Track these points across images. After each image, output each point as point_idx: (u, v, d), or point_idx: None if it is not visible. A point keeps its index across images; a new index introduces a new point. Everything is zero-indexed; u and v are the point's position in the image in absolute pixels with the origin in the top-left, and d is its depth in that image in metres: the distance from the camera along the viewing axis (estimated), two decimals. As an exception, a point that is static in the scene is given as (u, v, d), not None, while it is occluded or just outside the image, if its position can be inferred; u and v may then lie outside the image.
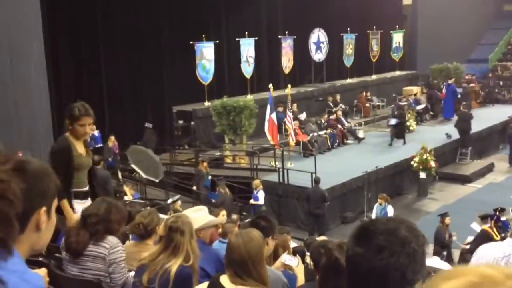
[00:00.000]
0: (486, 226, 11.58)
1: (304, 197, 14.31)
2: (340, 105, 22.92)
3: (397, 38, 28.62)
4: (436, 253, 11.51)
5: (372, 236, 1.63)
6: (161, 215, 5.23)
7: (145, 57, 20.95)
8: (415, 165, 16.88)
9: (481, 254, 2.89)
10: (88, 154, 5.04)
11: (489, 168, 19.66)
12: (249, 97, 19.98)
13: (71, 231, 3.79)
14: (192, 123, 19.57)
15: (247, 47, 21.32)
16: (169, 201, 12.55)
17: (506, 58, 34.84)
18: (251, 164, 16.70)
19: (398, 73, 28.60)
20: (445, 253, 11.88)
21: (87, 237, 3.73)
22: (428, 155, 16.88)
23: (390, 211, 13.44)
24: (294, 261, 4.53)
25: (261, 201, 14.06)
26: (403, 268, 1.57)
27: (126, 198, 11.76)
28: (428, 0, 30.17)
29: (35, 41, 12.02)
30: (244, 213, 13.71)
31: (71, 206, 4.70)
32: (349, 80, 26.05)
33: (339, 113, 21.15)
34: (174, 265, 3.36)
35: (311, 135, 18.68)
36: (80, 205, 4.68)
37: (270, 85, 17.04)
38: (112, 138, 17.02)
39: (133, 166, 13.58)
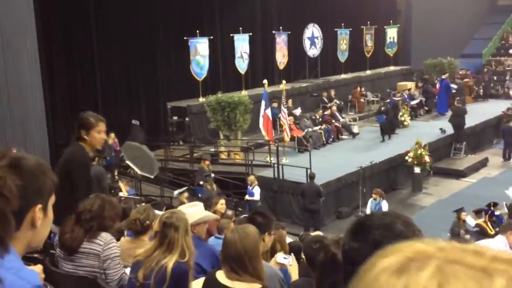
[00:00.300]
0: (480, 221, 11.65)
1: (299, 193, 14.32)
2: (335, 100, 22.94)
3: (391, 33, 28.64)
4: None
5: (368, 231, 1.63)
6: (156, 211, 5.22)
7: (139, 53, 20.90)
8: (409, 160, 16.93)
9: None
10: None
11: (483, 163, 19.73)
12: (244, 92, 19.97)
13: (65, 227, 3.78)
14: (187, 119, 19.55)
15: (242, 43, 21.28)
16: (176, 192, 12.52)
17: (500, 53, 34.90)
18: (246, 159, 16.70)
19: (392, 68, 28.63)
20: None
21: (82, 233, 3.72)
22: (422, 150, 16.93)
23: (385, 206, 13.49)
24: (288, 260, 4.55)
25: (256, 196, 14.07)
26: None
27: (121, 194, 11.74)
28: (422, -5, 30.21)
29: (28, 37, 11.96)
30: (240, 209, 13.70)
31: None
32: (343, 76, 26.07)
33: (334, 108, 21.16)
34: (170, 262, 3.35)
35: (306, 130, 18.69)
36: None
37: (265, 81, 17.04)
38: (112, 135, 16.82)
39: (128, 162, 13.54)
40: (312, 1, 26.33)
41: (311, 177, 14.03)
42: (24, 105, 11.99)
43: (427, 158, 16.88)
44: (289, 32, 23.58)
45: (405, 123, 21.57)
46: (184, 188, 12.22)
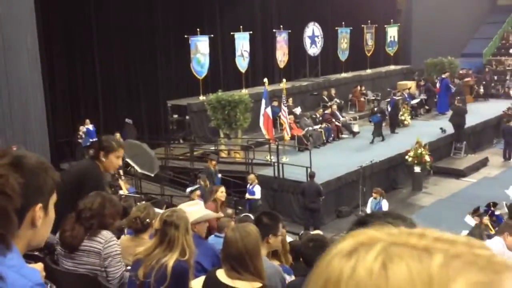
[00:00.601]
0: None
1: (299, 192, 14.32)
2: (335, 99, 22.93)
3: (392, 32, 28.64)
4: None
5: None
6: (157, 210, 5.22)
7: (139, 52, 20.91)
8: (409, 159, 16.93)
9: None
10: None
11: (484, 163, 19.72)
12: (244, 91, 19.96)
13: (66, 225, 3.78)
14: (187, 117, 19.54)
15: (242, 41, 21.28)
16: (188, 190, 12.56)
17: (500, 52, 34.88)
18: (246, 158, 16.70)
19: (392, 67, 28.62)
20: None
21: (82, 231, 3.72)
22: (422, 149, 16.92)
23: (385, 205, 13.46)
24: None
25: (257, 195, 14.05)
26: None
27: (121, 192, 11.72)
28: (422, -6, 30.20)
29: (29, 36, 11.97)
30: (240, 208, 13.71)
31: None
32: (344, 74, 26.06)
33: (334, 107, 21.15)
34: (170, 260, 3.35)
35: (306, 129, 18.69)
36: None
37: (265, 80, 17.04)
38: (118, 135, 16.72)
39: (128, 160, 13.54)
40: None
41: (311, 176, 14.02)
42: (25, 103, 12.00)
43: (427, 158, 16.88)
44: (290, 31, 23.58)
45: (406, 122, 21.56)
46: (196, 186, 12.23)
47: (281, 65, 23.30)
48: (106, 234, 3.79)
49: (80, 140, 17.67)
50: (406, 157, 17.01)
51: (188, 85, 21.67)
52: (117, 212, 3.99)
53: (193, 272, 3.62)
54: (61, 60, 19.15)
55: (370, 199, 13.89)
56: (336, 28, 25.95)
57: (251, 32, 21.89)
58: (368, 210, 13.36)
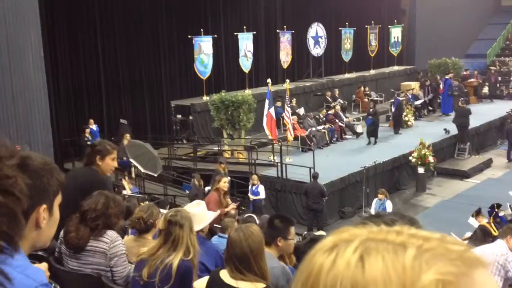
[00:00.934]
0: (484, 222, 11.58)
1: (302, 192, 14.31)
2: (339, 100, 22.92)
3: (396, 33, 28.60)
4: None
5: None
6: (160, 210, 5.22)
7: (143, 52, 20.93)
8: (413, 160, 16.90)
9: (478, 253, 2.88)
10: None
11: (487, 164, 19.67)
12: (248, 91, 19.96)
13: (69, 226, 3.79)
14: (191, 117, 19.55)
15: (246, 42, 21.29)
16: (207, 189, 12.68)
17: (504, 53, 34.82)
18: (250, 159, 16.70)
19: (396, 68, 28.59)
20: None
21: (88, 232, 3.73)
22: (426, 150, 16.89)
23: (389, 206, 13.44)
24: None
25: (262, 195, 14.04)
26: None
27: (124, 192, 11.75)
28: (426, -5, 30.17)
29: (32, 34, 11.99)
30: (243, 208, 13.70)
31: None
32: (347, 75, 26.04)
33: (338, 108, 21.13)
34: (175, 259, 3.35)
35: (309, 130, 18.68)
36: None
37: (269, 80, 17.03)
38: (128, 136, 16.71)
39: (131, 160, 13.55)
40: (316, 0, 26.30)
41: (315, 176, 14.01)
42: (29, 103, 12.03)
43: (431, 159, 16.85)
44: (293, 31, 23.57)
45: (409, 123, 21.53)
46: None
47: (285, 65, 23.30)
48: (111, 234, 3.80)
49: (88, 142, 17.64)
50: (410, 158, 16.98)
51: (191, 85, 21.70)
52: (121, 212, 4.00)
53: (196, 272, 3.62)
54: (65, 60, 19.17)
55: (375, 200, 13.86)
56: (340, 28, 25.94)
57: (254, 32, 21.89)
58: (372, 211, 13.35)
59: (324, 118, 20.08)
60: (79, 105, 19.71)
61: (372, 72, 27.27)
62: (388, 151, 18.02)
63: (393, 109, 21.61)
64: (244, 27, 21.32)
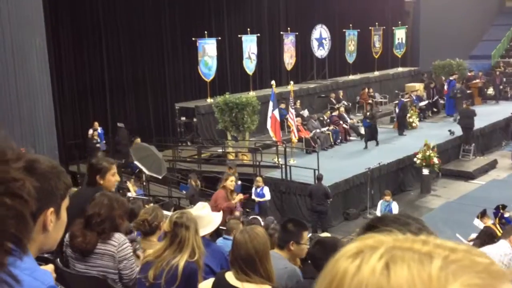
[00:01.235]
0: (490, 223, 11.55)
1: (306, 194, 14.29)
2: (343, 101, 22.91)
3: (400, 34, 28.59)
4: None
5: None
6: (164, 212, 5.23)
7: (147, 54, 20.98)
8: (418, 161, 16.86)
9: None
10: None
11: (492, 165, 19.62)
12: (252, 93, 19.98)
13: (75, 231, 3.79)
14: (195, 119, 19.59)
15: (249, 44, 21.30)
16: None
17: (509, 54, 34.73)
18: (254, 160, 16.70)
19: (400, 69, 28.56)
20: None
21: (95, 237, 3.74)
22: (431, 151, 16.85)
23: (395, 207, 13.40)
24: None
25: (267, 196, 14.01)
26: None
27: (129, 194, 11.77)
28: (430, -4, 30.14)
29: (37, 37, 12.03)
30: (247, 210, 13.69)
31: None
32: (351, 77, 26.03)
33: (342, 109, 21.13)
34: (181, 261, 3.36)
35: (313, 131, 18.67)
36: None
37: (273, 82, 17.05)
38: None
39: (136, 162, 13.57)
40: (320, 2, 26.31)
41: (319, 178, 13.99)
42: (33, 105, 12.05)
43: (435, 160, 16.81)
44: (297, 33, 23.58)
45: (414, 124, 21.50)
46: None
47: (289, 67, 23.30)
48: (119, 237, 3.81)
49: (98, 145, 17.67)
50: (415, 159, 16.95)
51: (195, 87, 21.73)
52: (125, 212, 4.00)
53: (201, 273, 3.62)
54: (70, 62, 19.23)
55: (381, 202, 13.84)
56: (344, 30, 25.94)
57: (258, 34, 21.92)
58: (378, 212, 13.32)
59: (328, 120, 20.06)
60: (84, 107, 19.76)
61: (376, 73, 27.25)
62: (393, 152, 18.00)
63: (397, 111, 21.59)
64: (248, 29, 21.34)
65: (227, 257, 4.27)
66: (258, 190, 14.05)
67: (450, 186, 17.88)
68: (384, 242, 0.71)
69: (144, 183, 14.68)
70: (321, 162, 15.03)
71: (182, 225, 3.44)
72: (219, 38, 20.80)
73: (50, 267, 2.43)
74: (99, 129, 18.21)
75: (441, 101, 24.42)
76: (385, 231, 0.77)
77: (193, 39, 19.63)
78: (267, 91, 19.65)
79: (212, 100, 19.16)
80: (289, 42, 23.28)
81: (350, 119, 21.39)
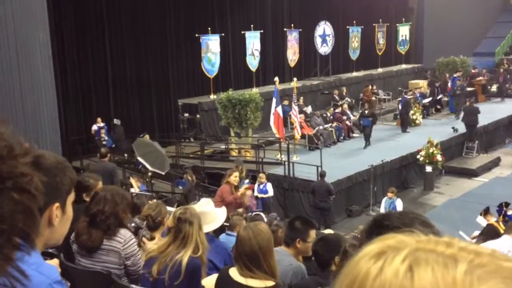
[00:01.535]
0: (493, 221, 11.54)
1: (309, 191, 14.30)
2: (346, 98, 22.89)
3: (403, 31, 28.51)
4: None
5: (386, 231, 1.62)
6: (168, 208, 5.24)
7: (150, 50, 20.97)
8: (421, 158, 16.85)
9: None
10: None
11: (496, 162, 19.59)
12: (255, 90, 19.97)
13: (80, 229, 3.80)
14: (198, 116, 19.59)
15: (253, 40, 21.28)
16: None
17: (513, 51, 34.66)
18: (257, 157, 16.70)
19: (404, 66, 28.51)
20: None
21: (101, 234, 3.75)
22: (434, 149, 16.83)
23: (399, 204, 13.37)
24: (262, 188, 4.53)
25: (270, 192, 14.01)
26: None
27: (132, 190, 11.79)
28: (434, -7, 30.04)
29: (41, 33, 12.02)
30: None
31: None
32: (355, 74, 25.99)
33: (345, 106, 21.10)
34: (185, 256, 3.37)
35: (316, 128, 18.67)
36: None
37: (276, 78, 17.03)
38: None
39: (139, 158, 13.59)
40: (324, -2, 26.28)
41: (322, 175, 14.00)
42: (37, 101, 12.06)
43: (439, 157, 16.79)
44: (301, 30, 23.55)
45: (417, 121, 21.48)
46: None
47: (292, 64, 23.28)
48: (124, 233, 3.82)
49: (104, 142, 17.67)
50: (418, 156, 16.94)
51: (199, 84, 21.73)
52: (128, 205, 3.99)
53: (205, 269, 3.64)
54: (73, 58, 19.24)
55: (385, 199, 13.81)
56: (347, 27, 25.89)
57: (262, 31, 21.89)
58: (382, 209, 13.31)
59: (331, 117, 20.05)
60: (87, 103, 19.78)
61: (380, 70, 27.20)
62: (396, 149, 17.99)
63: (400, 108, 21.56)
64: (252, 25, 21.32)
65: (230, 253, 4.29)
66: (261, 186, 14.05)
67: (453, 183, 17.86)
68: (406, 243, 0.70)
69: (148, 179, 14.69)
70: (324, 159, 15.03)
71: (186, 220, 3.46)
72: (223, 34, 20.79)
73: (55, 262, 2.44)
74: (102, 125, 18.22)
75: (445, 99, 24.38)
76: (407, 231, 0.76)
77: (197, 35, 19.62)
78: (270, 88, 19.64)
79: (215, 97, 19.16)
80: (292, 39, 23.25)
81: (353, 115, 21.37)
